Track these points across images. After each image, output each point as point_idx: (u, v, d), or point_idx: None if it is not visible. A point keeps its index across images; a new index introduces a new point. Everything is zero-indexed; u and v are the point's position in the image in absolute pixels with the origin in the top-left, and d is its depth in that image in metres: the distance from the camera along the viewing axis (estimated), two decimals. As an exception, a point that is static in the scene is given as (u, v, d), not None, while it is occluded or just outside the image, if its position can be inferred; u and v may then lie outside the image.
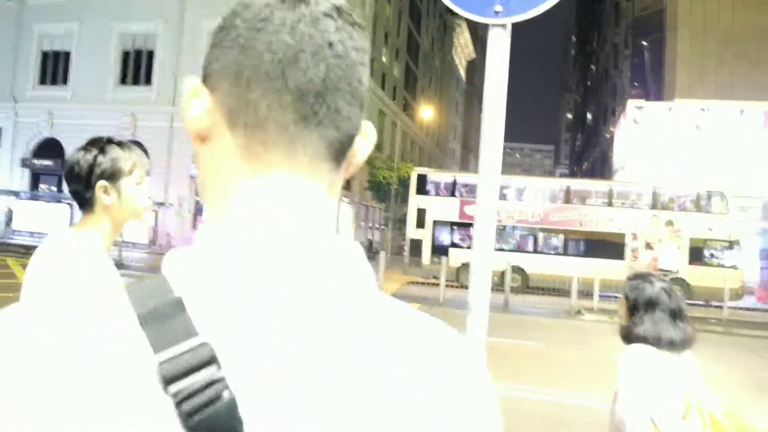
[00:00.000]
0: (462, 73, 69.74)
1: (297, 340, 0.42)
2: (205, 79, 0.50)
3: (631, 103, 27.04)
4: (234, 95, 0.47)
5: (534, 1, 1.98)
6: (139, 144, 14.23)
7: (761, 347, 10.20)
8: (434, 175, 20.30)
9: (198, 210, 23.34)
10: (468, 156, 70.80)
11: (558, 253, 18.08)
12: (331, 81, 0.47)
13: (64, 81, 26.41)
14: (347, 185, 30.85)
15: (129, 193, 1.56)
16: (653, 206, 17.56)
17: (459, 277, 16.65)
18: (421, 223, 18.88)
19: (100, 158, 1.54)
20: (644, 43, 32.01)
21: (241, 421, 0.38)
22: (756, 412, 2.30)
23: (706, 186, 18.05)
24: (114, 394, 0.38)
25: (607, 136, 38.05)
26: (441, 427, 0.45)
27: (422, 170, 20.54)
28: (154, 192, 20.32)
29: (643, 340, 1.92)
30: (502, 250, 17.99)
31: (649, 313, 1.96)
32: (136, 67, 25.60)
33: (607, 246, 17.33)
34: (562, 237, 18.20)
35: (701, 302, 15.82)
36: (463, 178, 19.73)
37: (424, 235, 18.73)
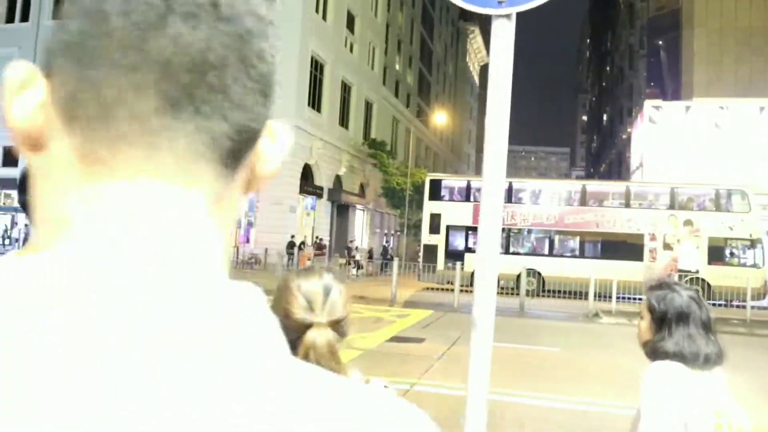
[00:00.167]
0: (476, 78, 69.69)
1: None
2: (46, 65, 0.35)
3: (648, 103, 26.79)
4: (74, 78, 0.33)
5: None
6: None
7: (787, 349, 9.92)
8: (448, 180, 20.23)
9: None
10: (482, 160, 70.52)
11: (574, 256, 17.87)
12: (215, 53, 0.33)
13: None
14: (361, 191, 30.86)
15: None
16: (671, 206, 17.31)
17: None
18: (435, 229, 18.81)
19: None
20: (660, 42, 31.74)
21: None
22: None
23: (727, 184, 17.76)
24: None
25: (624, 136, 37.69)
26: None
27: (436, 175, 20.51)
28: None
29: (674, 356, 1.76)
30: (517, 253, 17.83)
31: (681, 326, 1.80)
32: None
33: (624, 247, 17.08)
34: (578, 239, 18.02)
35: (722, 302, 15.55)
36: (477, 182, 19.64)
37: (439, 240, 18.64)
